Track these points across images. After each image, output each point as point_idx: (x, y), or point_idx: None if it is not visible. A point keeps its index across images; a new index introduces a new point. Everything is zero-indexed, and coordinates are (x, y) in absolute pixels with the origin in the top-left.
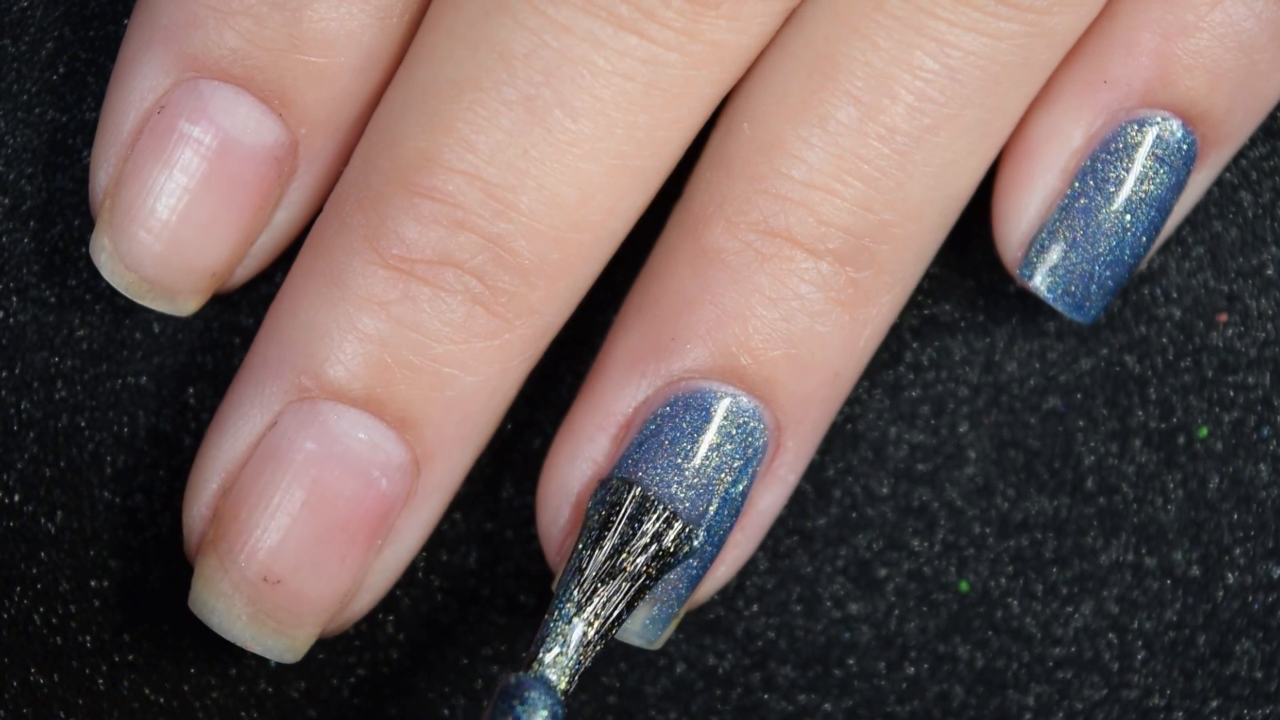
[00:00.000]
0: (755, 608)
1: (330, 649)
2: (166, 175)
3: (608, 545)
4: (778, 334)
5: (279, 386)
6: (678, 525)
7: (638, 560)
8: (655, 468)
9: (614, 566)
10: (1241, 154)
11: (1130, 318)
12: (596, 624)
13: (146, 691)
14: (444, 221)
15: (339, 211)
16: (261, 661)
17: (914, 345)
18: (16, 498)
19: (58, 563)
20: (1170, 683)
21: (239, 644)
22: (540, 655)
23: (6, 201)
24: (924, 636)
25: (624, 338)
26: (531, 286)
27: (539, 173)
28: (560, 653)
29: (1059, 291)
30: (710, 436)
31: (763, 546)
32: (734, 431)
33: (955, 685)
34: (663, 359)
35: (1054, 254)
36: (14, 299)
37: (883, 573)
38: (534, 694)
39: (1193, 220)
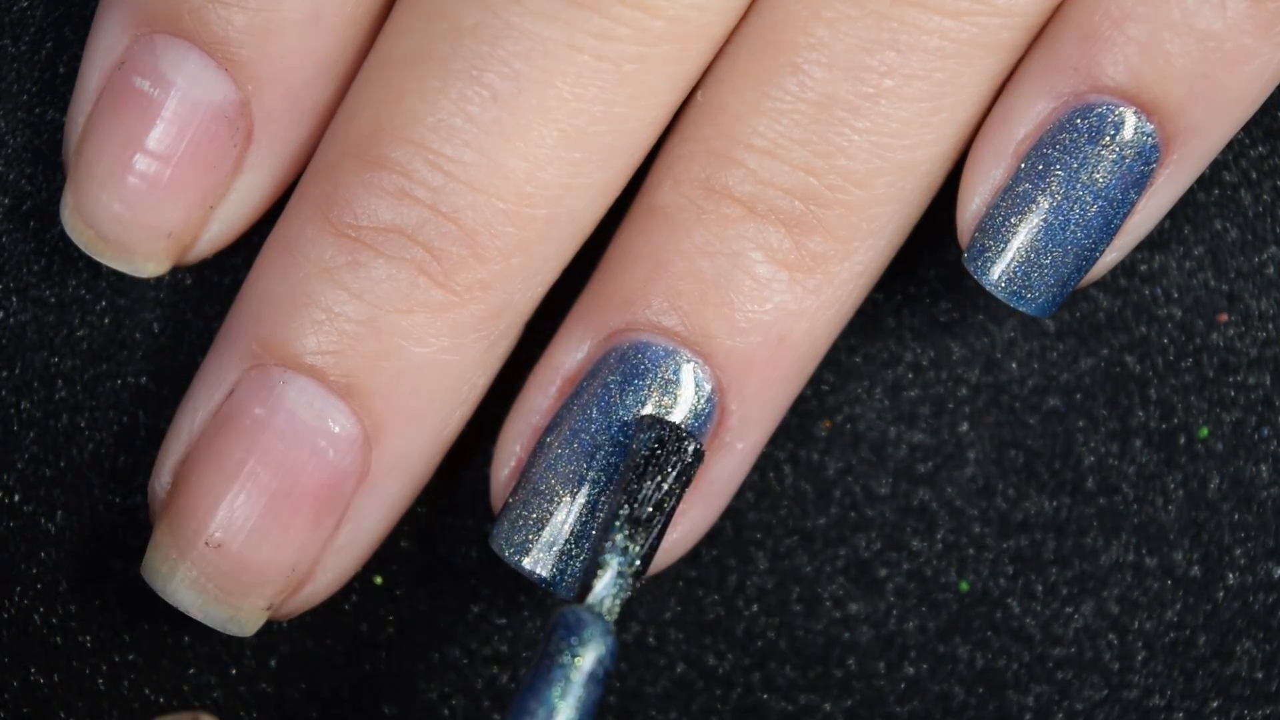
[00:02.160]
0: (755, 608)
1: (330, 648)
2: (121, 132)
3: (652, 478)
4: (711, 288)
5: (236, 355)
6: (692, 445)
7: (672, 487)
8: (591, 422)
9: (657, 497)
10: (1241, 154)
11: (1130, 318)
12: (642, 551)
13: (146, 691)
14: (392, 190)
15: (300, 183)
16: (261, 661)
17: (914, 345)
18: (16, 498)
19: (58, 563)
20: (1170, 683)
21: (184, 611)
22: (592, 585)
23: (6, 201)
24: (924, 636)
25: (579, 299)
26: (482, 260)
27: (485, 144)
28: (611, 582)
29: (998, 279)
30: (647, 390)
31: (762, 546)
32: (666, 384)
33: (955, 685)
34: (603, 313)
35: (995, 241)
36: (14, 299)
37: (883, 573)
38: (589, 629)
39: (1193, 220)
